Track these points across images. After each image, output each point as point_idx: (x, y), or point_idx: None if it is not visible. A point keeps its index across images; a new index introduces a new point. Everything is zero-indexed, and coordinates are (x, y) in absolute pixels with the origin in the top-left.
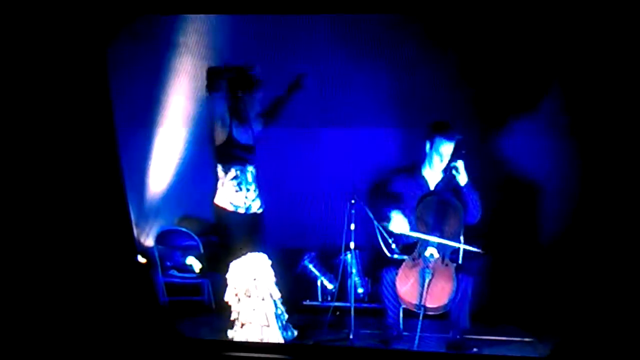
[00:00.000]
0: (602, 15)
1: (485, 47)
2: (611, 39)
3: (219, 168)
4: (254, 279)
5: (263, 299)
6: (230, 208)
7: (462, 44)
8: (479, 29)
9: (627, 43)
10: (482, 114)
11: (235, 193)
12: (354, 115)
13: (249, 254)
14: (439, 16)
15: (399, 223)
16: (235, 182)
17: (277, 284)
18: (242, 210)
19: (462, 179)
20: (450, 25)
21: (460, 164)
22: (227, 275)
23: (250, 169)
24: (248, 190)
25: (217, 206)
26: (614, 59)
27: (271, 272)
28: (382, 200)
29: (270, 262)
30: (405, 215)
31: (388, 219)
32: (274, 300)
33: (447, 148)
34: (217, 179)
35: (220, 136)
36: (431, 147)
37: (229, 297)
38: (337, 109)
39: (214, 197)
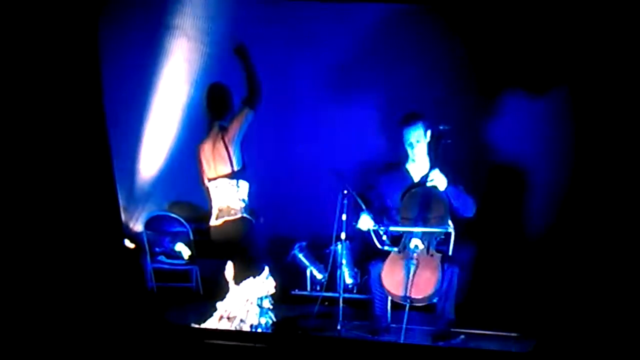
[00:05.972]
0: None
1: (479, 42)
2: (602, 30)
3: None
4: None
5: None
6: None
7: (455, 38)
8: (471, 23)
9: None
10: (470, 106)
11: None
12: (347, 108)
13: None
14: (431, 9)
15: (365, 222)
16: None
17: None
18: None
19: (441, 185)
20: (443, 20)
21: (434, 173)
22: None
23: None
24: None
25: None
26: (605, 50)
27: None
28: (370, 193)
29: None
30: (386, 210)
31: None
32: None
33: (414, 135)
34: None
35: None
36: (404, 140)
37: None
38: (331, 102)
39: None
